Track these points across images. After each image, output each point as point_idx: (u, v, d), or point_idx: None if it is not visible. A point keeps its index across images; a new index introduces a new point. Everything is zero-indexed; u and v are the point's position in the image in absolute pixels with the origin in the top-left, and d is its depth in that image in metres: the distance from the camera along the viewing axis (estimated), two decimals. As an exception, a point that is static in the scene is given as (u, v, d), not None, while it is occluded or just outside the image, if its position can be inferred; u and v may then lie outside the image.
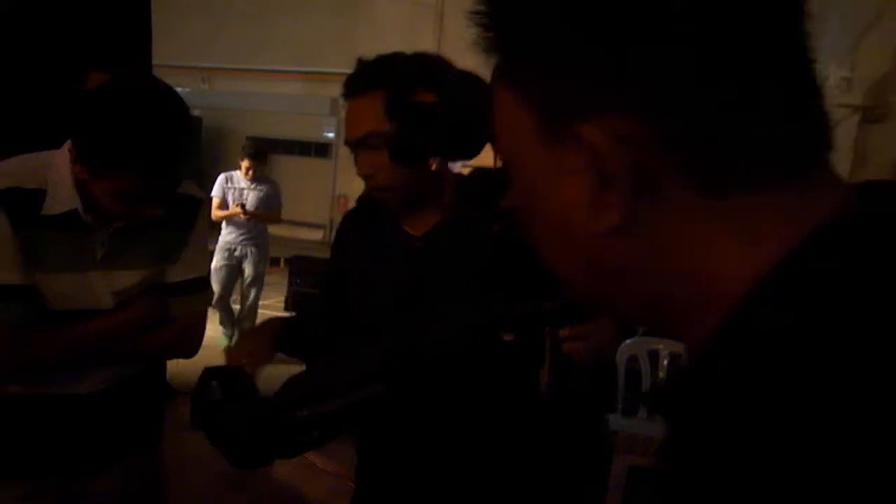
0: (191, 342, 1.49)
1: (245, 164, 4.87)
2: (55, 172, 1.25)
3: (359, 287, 1.27)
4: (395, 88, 1.06)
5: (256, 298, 5.02)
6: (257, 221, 4.91)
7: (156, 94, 1.19)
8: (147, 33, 2.57)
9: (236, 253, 4.86)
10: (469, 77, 0.98)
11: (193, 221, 1.41)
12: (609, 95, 0.38)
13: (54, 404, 1.36)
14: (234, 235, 4.83)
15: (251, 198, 4.84)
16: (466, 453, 1.21)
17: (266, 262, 5.09)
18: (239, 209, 4.74)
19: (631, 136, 0.37)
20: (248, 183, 4.85)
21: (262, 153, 5.04)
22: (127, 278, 1.34)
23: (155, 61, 2.77)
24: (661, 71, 0.37)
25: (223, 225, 4.85)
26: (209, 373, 0.99)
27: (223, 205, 4.78)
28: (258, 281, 4.98)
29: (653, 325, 0.45)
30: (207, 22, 9.21)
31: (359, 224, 1.31)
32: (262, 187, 4.95)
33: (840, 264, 0.34)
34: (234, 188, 4.84)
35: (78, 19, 2.23)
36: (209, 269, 1.56)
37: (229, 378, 1.02)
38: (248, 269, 4.92)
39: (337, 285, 1.32)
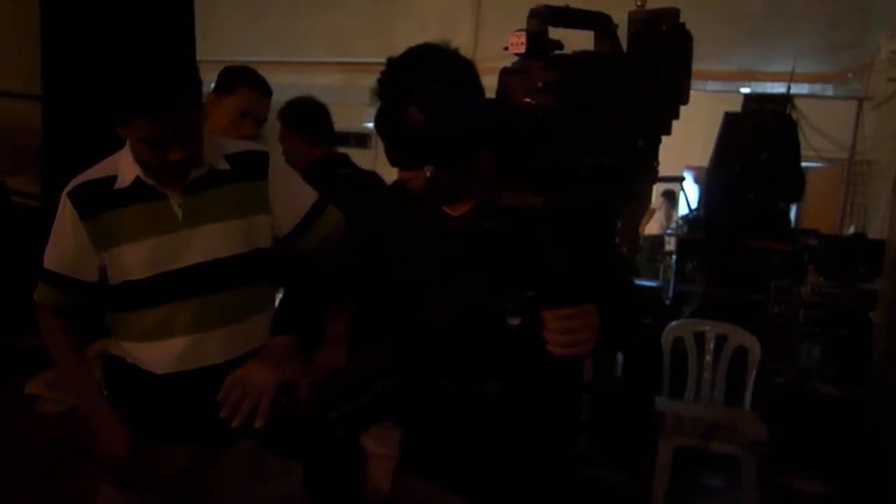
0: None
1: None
2: (122, 157, 1.45)
3: (399, 262, 1.32)
4: (385, 105, 1.18)
5: None
6: None
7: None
8: (191, 31, 2.63)
9: None
10: (458, 93, 1.10)
11: (265, 172, 1.52)
12: None
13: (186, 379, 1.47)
14: None
15: None
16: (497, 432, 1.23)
17: None
18: None
19: None
20: None
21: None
22: (216, 230, 1.46)
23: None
24: None
25: None
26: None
27: None
28: None
29: None
30: (245, 16, 9.32)
31: (396, 201, 1.34)
32: None
33: None
34: None
35: (124, 26, 2.29)
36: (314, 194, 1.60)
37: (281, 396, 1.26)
38: None
39: (366, 249, 1.38)
